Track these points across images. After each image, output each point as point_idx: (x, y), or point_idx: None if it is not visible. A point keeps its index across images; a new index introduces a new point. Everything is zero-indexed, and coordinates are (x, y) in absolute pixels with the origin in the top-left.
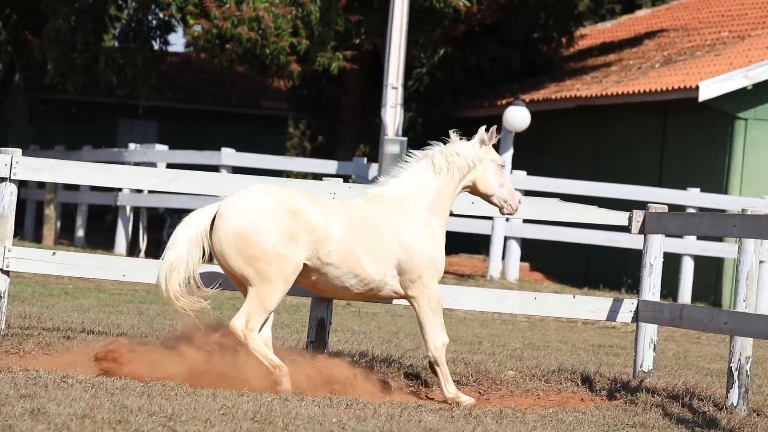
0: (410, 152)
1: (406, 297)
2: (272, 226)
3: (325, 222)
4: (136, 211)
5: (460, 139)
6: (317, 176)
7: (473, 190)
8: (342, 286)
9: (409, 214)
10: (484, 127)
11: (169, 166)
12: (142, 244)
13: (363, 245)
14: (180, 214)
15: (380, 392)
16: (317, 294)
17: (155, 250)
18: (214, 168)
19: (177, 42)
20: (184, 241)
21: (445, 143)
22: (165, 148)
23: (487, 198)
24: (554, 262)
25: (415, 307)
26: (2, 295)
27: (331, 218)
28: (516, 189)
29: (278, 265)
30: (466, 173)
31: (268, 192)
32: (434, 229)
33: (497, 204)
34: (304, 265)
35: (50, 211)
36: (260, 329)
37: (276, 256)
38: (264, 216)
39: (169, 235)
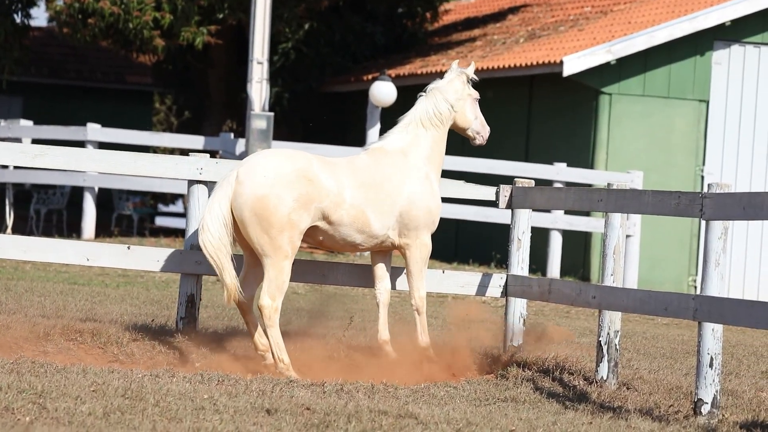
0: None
1: (398, 246)
2: (288, 192)
3: (339, 187)
4: (2, 187)
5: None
6: (184, 151)
7: (454, 126)
8: (350, 242)
9: (410, 168)
10: (456, 62)
11: (35, 141)
12: (9, 220)
13: (371, 205)
14: (46, 189)
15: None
16: (190, 270)
17: (22, 226)
18: (80, 143)
19: (40, 16)
20: (213, 221)
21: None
22: (30, 123)
23: (462, 131)
24: None
25: (406, 256)
26: None
27: (344, 182)
28: None
29: (289, 232)
30: (450, 114)
31: (285, 156)
32: (432, 181)
33: (471, 136)
34: (315, 226)
35: None
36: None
37: (288, 224)
38: (281, 181)
39: (36, 211)
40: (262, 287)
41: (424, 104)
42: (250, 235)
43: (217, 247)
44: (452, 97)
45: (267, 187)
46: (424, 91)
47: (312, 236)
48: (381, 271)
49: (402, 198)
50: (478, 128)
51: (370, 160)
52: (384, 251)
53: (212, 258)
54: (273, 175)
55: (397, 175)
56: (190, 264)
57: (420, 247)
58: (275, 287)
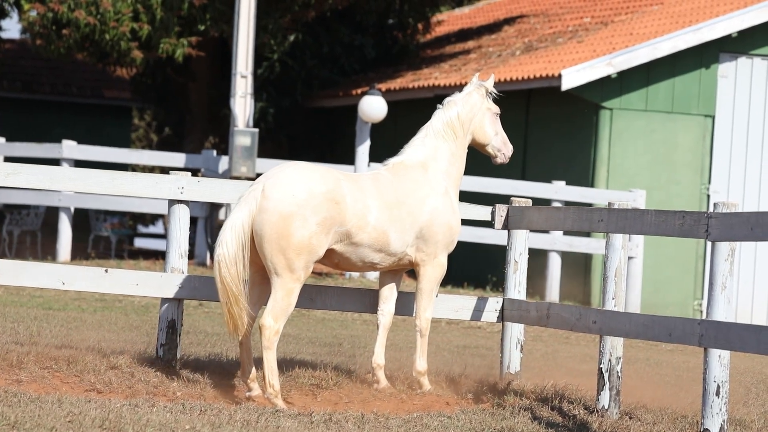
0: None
1: (414, 263)
2: (314, 215)
3: (365, 209)
4: None
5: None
6: (165, 170)
7: (473, 141)
8: (368, 263)
9: (431, 183)
10: (477, 74)
11: (7, 159)
12: None
13: (394, 224)
14: (20, 210)
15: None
16: (170, 294)
17: None
18: (56, 161)
19: (12, 27)
20: (234, 239)
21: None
22: (2, 140)
23: (482, 147)
24: None
25: (419, 273)
26: None
27: (370, 204)
28: None
29: (307, 256)
30: (468, 128)
31: (314, 174)
32: (452, 197)
33: (492, 153)
34: (331, 249)
35: None
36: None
37: (307, 248)
38: (310, 202)
39: (9, 232)
40: (267, 307)
41: (440, 116)
42: (265, 252)
43: (232, 265)
44: (469, 109)
45: (294, 207)
46: (441, 104)
47: (327, 258)
48: (388, 292)
49: (424, 214)
50: (499, 145)
51: (392, 176)
52: (395, 271)
53: (222, 280)
54: (301, 195)
55: (419, 191)
56: (171, 288)
57: (436, 266)
58: (280, 309)
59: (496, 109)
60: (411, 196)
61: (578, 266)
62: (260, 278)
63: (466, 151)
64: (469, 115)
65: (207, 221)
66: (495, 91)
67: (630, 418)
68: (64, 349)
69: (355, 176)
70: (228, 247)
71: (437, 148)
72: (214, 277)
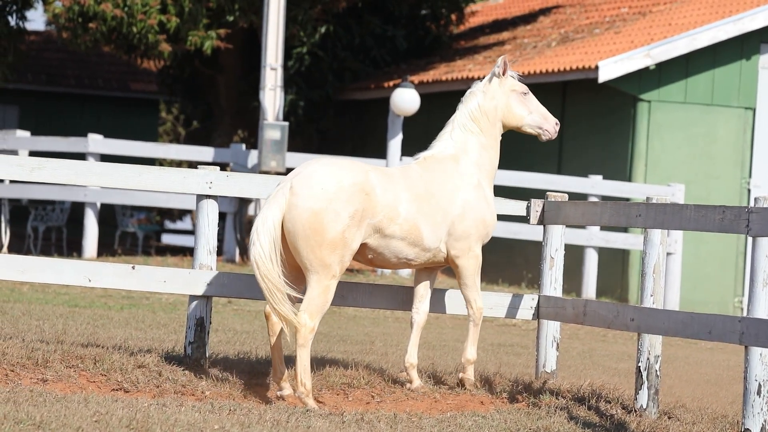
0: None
1: (449, 259)
2: (345, 208)
3: (395, 200)
4: None
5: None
6: (193, 164)
7: (505, 126)
8: (402, 258)
9: (463, 176)
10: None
11: (32, 153)
12: (5, 239)
13: (425, 217)
14: (45, 205)
15: None
16: (199, 291)
17: (19, 245)
18: (81, 156)
19: (36, 19)
20: (266, 236)
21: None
22: (27, 134)
23: (519, 129)
24: None
25: (458, 268)
26: None
27: (401, 196)
28: None
29: (341, 251)
30: (495, 116)
31: (343, 168)
32: (485, 189)
33: (532, 132)
34: (364, 244)
35: None
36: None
37: (341, 242)
38: (340, 196)
39: (34, 228)
40: (301, 305)
41: (462, 109)
42: (298, 249)
43: (268, 261)
44: (490, 98)
45: (324, 202)
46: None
47: (361, 254)
48: (423, 290)
49: (455, 207)
50: (538, 122)
51: (422, 169)
52: (431, 269)
53: (264, 278)
54: (331, 189)
55: (449, 184)
56: (200, 285)
57: (471, 258)
58: (315, 306)
59: (522, 88)
60: (441, 188)
61: (615, 262)
62: (292, 277)
63: (499, 140)
64: (492, 103)
65: (236, 217)
66: (513, 74)
67: (669, 417)
68: (90, 347)
69: (383, 168)
70: (262, 245)
71: (466, 141)
72: (256, 277)
